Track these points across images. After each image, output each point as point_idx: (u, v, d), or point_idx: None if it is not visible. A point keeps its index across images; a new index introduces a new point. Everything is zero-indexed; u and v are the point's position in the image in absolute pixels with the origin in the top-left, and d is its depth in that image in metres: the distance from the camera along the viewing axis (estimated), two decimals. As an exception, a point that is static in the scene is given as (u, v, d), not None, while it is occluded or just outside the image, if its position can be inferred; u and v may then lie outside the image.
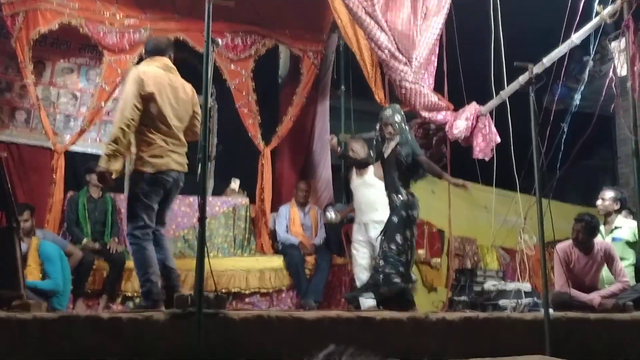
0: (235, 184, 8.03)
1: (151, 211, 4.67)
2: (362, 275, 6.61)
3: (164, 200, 4.81)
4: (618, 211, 6.42)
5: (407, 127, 5.99)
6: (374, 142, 6.20)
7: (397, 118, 5.92)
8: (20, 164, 7.50)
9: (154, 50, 4.95)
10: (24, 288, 4.35)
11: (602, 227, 6.40)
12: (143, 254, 4.60)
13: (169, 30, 7.59)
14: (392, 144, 5.89)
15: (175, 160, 4.72)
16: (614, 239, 6.27)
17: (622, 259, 6.07)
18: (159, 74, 4.72)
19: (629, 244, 6.09)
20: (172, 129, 4.71)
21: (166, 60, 4.88)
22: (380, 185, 6.23)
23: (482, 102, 6.55)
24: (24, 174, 7.48)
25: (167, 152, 4.66)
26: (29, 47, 7.03)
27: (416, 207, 5.78)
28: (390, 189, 5.84)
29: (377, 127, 6.11)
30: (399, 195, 5.75)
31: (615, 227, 6.36)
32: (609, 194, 6.46)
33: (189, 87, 4.93)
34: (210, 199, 7.47)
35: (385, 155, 5.95)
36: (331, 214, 7.15)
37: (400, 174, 5.81)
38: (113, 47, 7.40)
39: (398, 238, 5.63)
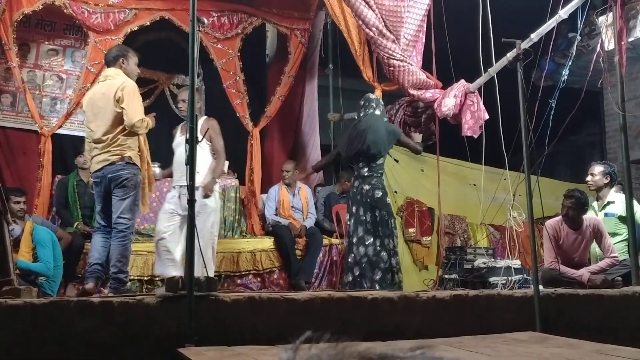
0: (224, 165, 7.99)
1: (99, 209, 5.37)
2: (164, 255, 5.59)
3: (110, 197, 5.28)
4: (609, 185, 6.34)
5: (362, 110, 6.16)
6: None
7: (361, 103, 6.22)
8: (7, 148, 7.44)
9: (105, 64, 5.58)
10: (14, 273, 4.33)
11: (594, 203, 6.40)
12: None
13: (154, 10, 7.55)
14: None
15: (96, 161, 5.24)
16: (606, 214, 6.24)
17: (615, 234, 6.08)
18: (94, 90, 5.50)
19: (622, 219, 6.02)
20: (96, 135, 5.24)
21: (106, 71, 5.43)
22: (203, 145, 5.65)
23: (470, 79, 6.53)
24: (11, 158, 7.42)
25: (90, 158, 5.32)
26: (13, 28, 6.95)
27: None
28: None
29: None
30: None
31: (608, 202, 6.31)
32: (597, 168, 6.38)
33: (113, 88, 5.23)
34: (199, 180, 7.43)
35: None
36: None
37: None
38: (98, 27, 7.31)
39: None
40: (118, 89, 5.20)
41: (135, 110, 5.17)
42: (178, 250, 5.49)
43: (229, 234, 7.51)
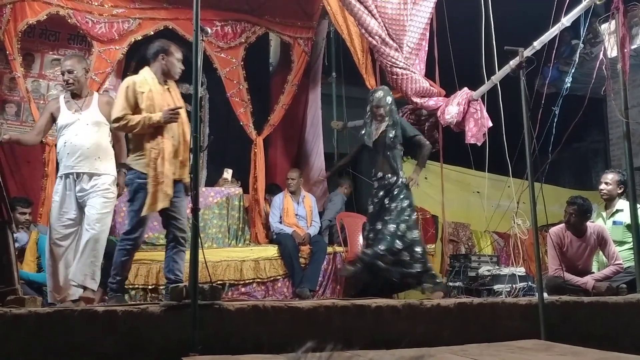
0: (227, 173, 8.01)
1: None
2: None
3: None
4: (622, 194, 6.21)
5: (395, 108, 6.09)
6: (364, 124, 6.24)
7: (388, 100, 6.05)
8: (11, 157, 7.45)
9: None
10: (18, 282, 4.34)
11: (603, 212, 6.33)
12: None
13: (158, 19, 7.61)
14: (382, 126, 6.01)
15: None
16: (614, 223, 6.18)
17: (622, 242, 6.03)
18: None
19: (630, 227, 5.86)
20: None
21: None
22: (103, 127, 5.21)
23: (473, 87, 6.53)
24: (15, 168, 7.43)
25: None
26: (17, 39, 7.01)
27: (411, 194, 5.96)
28: (386, 170, 5.96)
29: (368, 108, 6.17)
30: (399, 178, 5.91)
31: (617, 211, 6.21)
32: (613, 177, 6.24)
33: None
34: (203, 189, 7.45)
35: (373, 138, 6.05)
36: None
37: (393, 155, 5.95)
38: (102, 37, 7.36)
39: (412, 221, 5.84)
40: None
41: (114, 110, 4.89)
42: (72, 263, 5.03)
43: (232, 243, 7.51)
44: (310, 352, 0.77)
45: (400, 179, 5.91)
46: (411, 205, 5.90)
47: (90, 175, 5.09)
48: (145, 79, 4.97)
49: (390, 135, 5.95)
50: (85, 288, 4.95)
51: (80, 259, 4.93)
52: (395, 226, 5.73)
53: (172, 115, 4.81)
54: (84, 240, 4.96)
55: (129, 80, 4.99)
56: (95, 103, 5.25)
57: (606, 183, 6.26)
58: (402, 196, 5.86)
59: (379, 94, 6.08)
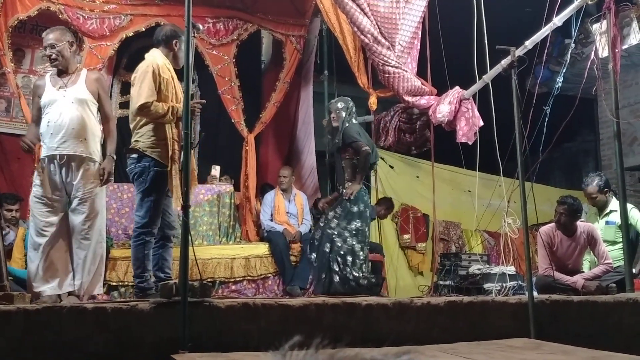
0: (215, 170, 7.97)
1: None
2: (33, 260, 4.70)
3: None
4: (609, 195, 6.27)
5: (349, 116, 5.96)
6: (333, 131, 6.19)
7: (339, 105, 5.99)
8: (1, 153, 7.42)
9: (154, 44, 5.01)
10: (7, 279, 4.31)
11: (597, 212, 6.37)
12: None
13: (149, 16, 7.58)
14: (337, 135, 5.98)
15: None
16: (607, 223, 6.22)
17: (614, 242, 6.07)
18: None
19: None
20: None
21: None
22: (91, 106, 4.84)
23: (465, 86, 6.54)
24: (5, 164, 7.40)
25: None
26: (8, 34, 6.96)
27: (358, 201, 5.79)
28: (339, 181, 5.97)
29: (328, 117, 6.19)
30: (343, 188, 5.85)
31: (610, 211, 6.24)
32: (592, 189, 6.24)
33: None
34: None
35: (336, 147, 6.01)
36: None
37: (345, 165, 5.89)
38: (93, 33, 7.33)
39: (346, 233, 5.72)
40: (135, 72, 4.76)
41: (139, 95, 4.56)
42: (62, 258, 4.73)
43: (223, 240, 7.50)
44: (296, 349, 0.76)
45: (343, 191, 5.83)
46: (355, 222, 5.76)
47: (77, 160, 4.70)
48: (165, 64, 4.75)
49: (336, 140, 5.91)
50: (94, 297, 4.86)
51: (83, 274, 4.71)
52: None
53: (197, 108, 4.66)
54: (81, 255, 4.69)
55: (152, 63, 4.68)
56: (83, 79, 4.84)
57: (591, 197, 6.32)
58: (347, 216, 5.75)
59: (334, 100, 6.11)
